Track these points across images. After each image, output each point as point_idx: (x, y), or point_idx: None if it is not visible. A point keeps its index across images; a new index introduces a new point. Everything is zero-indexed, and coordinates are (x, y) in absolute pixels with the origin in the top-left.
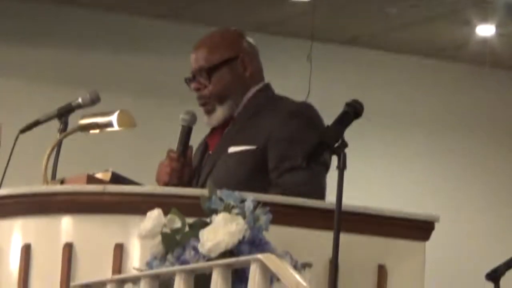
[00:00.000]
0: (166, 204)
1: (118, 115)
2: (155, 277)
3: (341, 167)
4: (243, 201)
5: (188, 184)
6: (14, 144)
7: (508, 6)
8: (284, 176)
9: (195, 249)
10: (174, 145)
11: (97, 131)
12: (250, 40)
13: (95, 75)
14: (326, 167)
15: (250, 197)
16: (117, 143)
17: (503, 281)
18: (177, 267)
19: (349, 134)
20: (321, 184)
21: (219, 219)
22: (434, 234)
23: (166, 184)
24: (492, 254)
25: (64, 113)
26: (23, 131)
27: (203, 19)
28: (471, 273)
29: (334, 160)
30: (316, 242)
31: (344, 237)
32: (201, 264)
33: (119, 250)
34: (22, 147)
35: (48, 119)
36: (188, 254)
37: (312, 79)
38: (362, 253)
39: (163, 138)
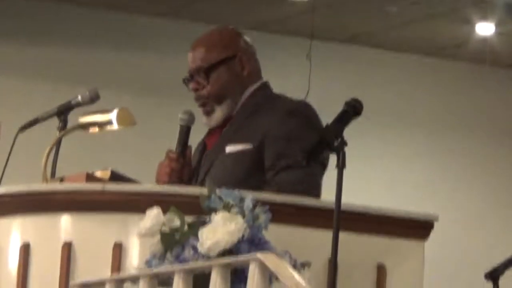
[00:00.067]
0: (165, 202)
1: (118, 113)
2: (154, 276)
3: (341, 166)
4: (242, 200)
5: (188, 184)
6: (14, 142)
7: (507, 4)
8: (280, 175)
9: (194, 248)
10: (174, 144)
11: (96, 129)
12: (247, 38)
13: (94, 73)
14: (323, 167)
15: (249, 196)
16: (117, 142)
17: (502, 281)
18: (176, 266)
19: (348, 133)
20: (317, 183)
21: (218, 218)
22: (433, 234)
23: (166, 184)
24: (491, 254)
25: (63, 111)
26: (22, 129)
27: (202, 18)
28: (470, 272)
29: (334, 159)
30: (315, 241)
31: (343, 236)
32: (200, 263)
33: (118, 249)
34: (22, 145)
35: (48, 117)
36: (187, 253)
37: (311, 77)
38: (361, 252)
39: (163, 137)
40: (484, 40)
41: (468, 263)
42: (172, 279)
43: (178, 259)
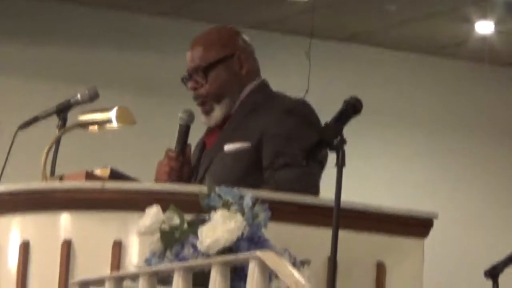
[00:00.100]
0: (164, 200)
1: (117, 111)
2: (153, 274)
3: (340, 164)
4: (241, 198)
5: (187, 183)
6: (13, 140)
7: (507, 3)
8: (278, 173)
9: (194, 246)
10: (174, 143)
11: (96, 128)
12: (246, 37)
13: (95, 73)
14: (322, 166)
15: (249, 194)
16: (117, 141)
17: (501, 278)
18: (175, 264)
19: (348, 132)
20: (315, 182)
21: (217, 216)
22: (433, 233)
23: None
24: (491, 253)
25: (62, 110)
26: (21, 127)
27: (203, 17)
28: (470, 270)
29: (333, 157)
30: (315, 239)
31: (342, 234)
32: (200, 261)
33: (118, 247)
34: (21, 144)
35: (47, 115)
36: (187, 251)
37: (311, 76)
38: (360, 250)
39: (163, 136)
40: (484, 38)
41: (468, 262)
42: (172, 277)
43: (178, 257)
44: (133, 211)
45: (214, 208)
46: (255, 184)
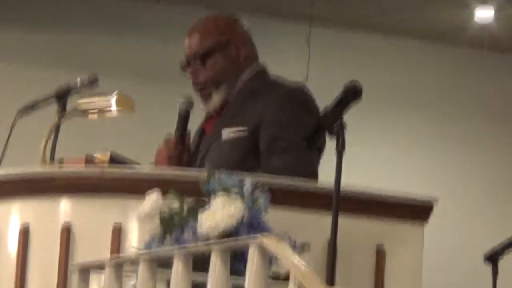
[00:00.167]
0: (165, 185)
1: (117, 96)
2: (153, 258)
3: (340, 149)
4: (241, 182)
5: None
6: (12, 125)
7: None
8: (274, 158)
9: (194, 231)
10: (173, 130)
11: (95, 116)
12: (243, 23)
13: (94, 60)
14: (319, 152)
15: (249, 179)
16: (117, 128)
17: (501, 263)
18: (175, 248)
19: (347, 119)
20: (313, 168)
21: (217, 201)
22: (433, 218)
23: None
24: (490, 237)
25: (62, 95)
26: (21, 112)
27: (203, 3)
28: (470, 255)
29: (333, 143)
30: (315, 224)
31: (342, 219)
32: (200, 245)
33: (118, 232)
34: (21, 130)
35: (46, 99)
36: (187, 235)
37: (310, 63)
38: (360, 234)
39: (163, 123)
40: (484, 25)
41: (468, 247)
42: (172, 261)
43: (178, 241)
44: (133, 196)
45: (214, 193)
46: (252, 169)
